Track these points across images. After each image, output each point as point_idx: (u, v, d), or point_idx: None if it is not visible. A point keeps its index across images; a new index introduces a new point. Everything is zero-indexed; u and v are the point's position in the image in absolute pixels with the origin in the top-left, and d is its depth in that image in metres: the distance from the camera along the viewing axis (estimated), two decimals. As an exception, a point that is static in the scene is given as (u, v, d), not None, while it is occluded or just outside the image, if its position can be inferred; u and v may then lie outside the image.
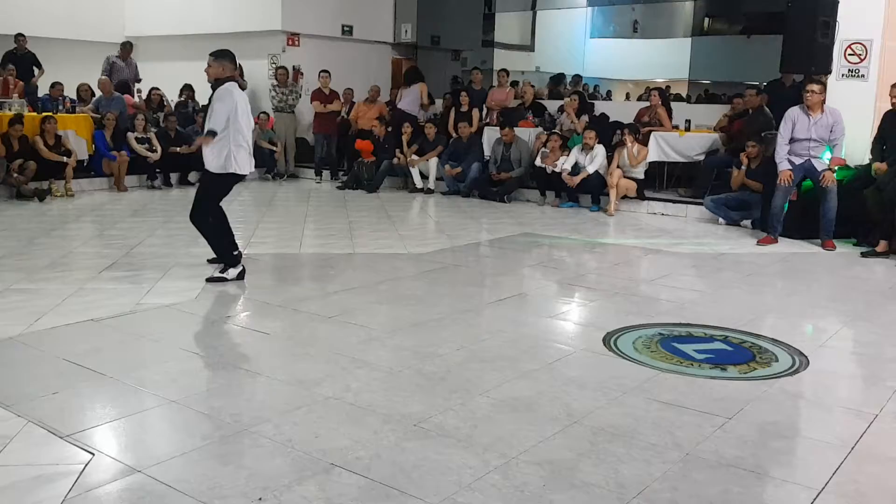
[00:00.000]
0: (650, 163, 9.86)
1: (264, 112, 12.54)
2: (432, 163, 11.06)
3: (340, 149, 12.45)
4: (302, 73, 12.91)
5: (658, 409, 3.45)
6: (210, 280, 5.56)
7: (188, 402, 3.41)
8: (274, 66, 12.69)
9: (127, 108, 11.51)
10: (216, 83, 5.51)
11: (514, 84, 12.98)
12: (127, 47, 12.82)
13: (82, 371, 3.74)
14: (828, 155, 7.52)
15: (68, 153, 9.98)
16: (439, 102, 12.47)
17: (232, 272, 5.62)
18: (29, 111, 10.61)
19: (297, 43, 13.03)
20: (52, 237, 7.29)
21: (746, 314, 5.07)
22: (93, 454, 2.90)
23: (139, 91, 12.60)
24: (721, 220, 8.81)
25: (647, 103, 10.67)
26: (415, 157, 11.18)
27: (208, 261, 5.96)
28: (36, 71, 12.56)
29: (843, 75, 8.21)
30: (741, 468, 2.91)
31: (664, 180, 10.45)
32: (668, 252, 7.31)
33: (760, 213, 8.21)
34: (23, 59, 12.26)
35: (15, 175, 9.33)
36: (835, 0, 7.83)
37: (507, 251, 7.24)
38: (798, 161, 7.55)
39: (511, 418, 3.31)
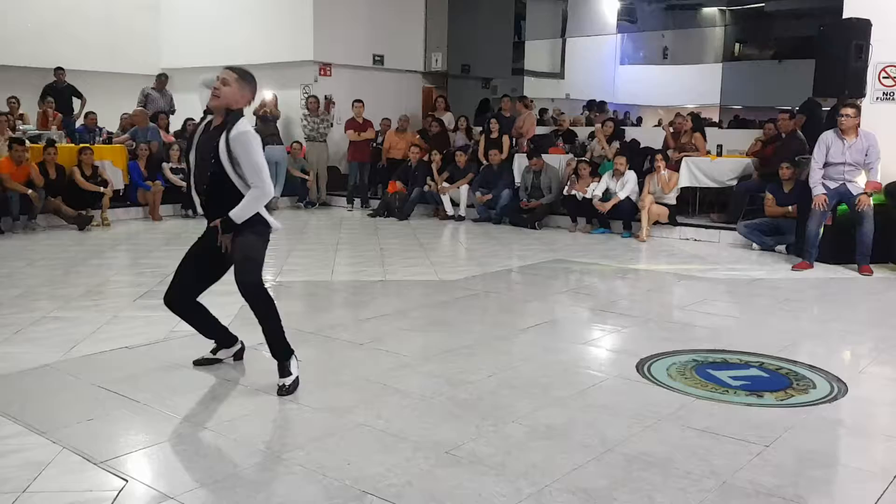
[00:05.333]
0: (682, 188, 9.80)
1: (297, 141, 12.69)
2: (463, 190, 11.10)
3: (372, 177, 12.58)
4: (333, 103, 13.06)
5: (693, 437, 3.39)
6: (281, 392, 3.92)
7: (220, 429, 3.42)
8: (306, 95, 12.86)
9: (162, 138, 11.73)
10: (230, 114, 3.81)
11: (544, 111, 13.01)
12: (162, 79, 13.09)
13: (116, 398, 3.78)
14: (863, 178, 7.43)
15: (105, 183, 10.18)
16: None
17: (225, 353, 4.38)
18: (67, 143, 10.86)
19: (328, 73, 13.21)
20: (88, 266, 7.41)
21: (782, 340, 4.99)
22: (126, 481, 2.91)
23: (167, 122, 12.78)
24: (755, 245, 8.71)
25: (671, 129, 10.61)
26: (446, 184, 11.23)
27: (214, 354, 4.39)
28: (77, 102, 12.88)
29: (877, 98, 8.11)
30: (780, 497, 2.84)
31: (696, 206, 10.37)
32: (701, 278, 7.22)
33: (795, 238, 8.11)
34: (62, 92, 12.58)
35: (53, 200, 9.55)
36: (868, 23, 7.76)
37: (539, 278, 7.21)
38: (833, 185, 7.46)
39: (544, 445, 3.27)
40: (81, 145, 10.53)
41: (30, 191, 9.27)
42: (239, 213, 3.81)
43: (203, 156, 3.84)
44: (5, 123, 10.32)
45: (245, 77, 3.90)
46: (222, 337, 4.36)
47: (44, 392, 3.91)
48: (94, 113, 12.13)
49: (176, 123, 12.86)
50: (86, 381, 4.02)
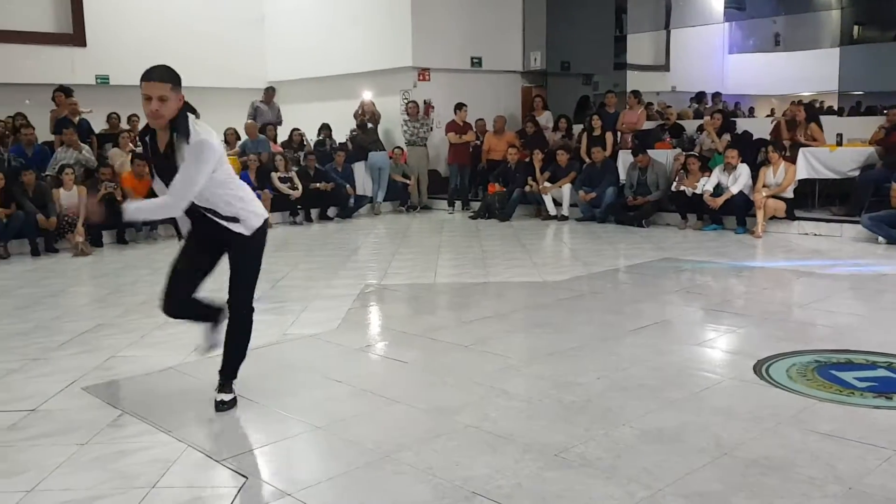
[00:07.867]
0: (800, 180, 9.37)
1: (398, 147, 12.88)
2: (566, 189, 10.97)
3: (472, 179, 12.63)
4: (433, 107, 13.18)
5: (816, 441, 3.22)
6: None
7: (332, 428, 3.50)
8: (405, 101, 13.03)
9: (270, 148, 12.15)
10: (175, 124, 3.46)
11: (649, 105, 12.73)
12: (270, 92, 13.54)
13: (234, 399, 3.92)
14: None
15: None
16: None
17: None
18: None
19: (427, 77, 13.34)
20: (206, 272, 7.72)
21: (913, 339, 4.69)
22: (246, 478, 3.02)
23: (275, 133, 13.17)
24: (880, 238, 8.24)
25: (776, 119, 10.20)
26: (547, 184, 11.14)
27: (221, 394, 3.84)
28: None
29: None
30: (915, 506, 2.67)
31: (816, 198, 9.90)
32: (822, 274, 6.88)
33: (925, 229, 7.63)
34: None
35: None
36: None
37: (647, 277, 7.04)
38: (966, 172, 6.98)
39: (656, 449, 3.19)
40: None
41: (151, 202, 9.77)
42: (135, 209, 3.59)
43: (168, 181, 3.50)
44: (128, 140, 10.92)
45: (175, 80, 3.45)
46: (213, 312, 4.12)
47: (168, 393, 4.11)
48: (209, 129, 12.67)
49: (283, 134, 13.28)
50: (206, 382, 4.18)
